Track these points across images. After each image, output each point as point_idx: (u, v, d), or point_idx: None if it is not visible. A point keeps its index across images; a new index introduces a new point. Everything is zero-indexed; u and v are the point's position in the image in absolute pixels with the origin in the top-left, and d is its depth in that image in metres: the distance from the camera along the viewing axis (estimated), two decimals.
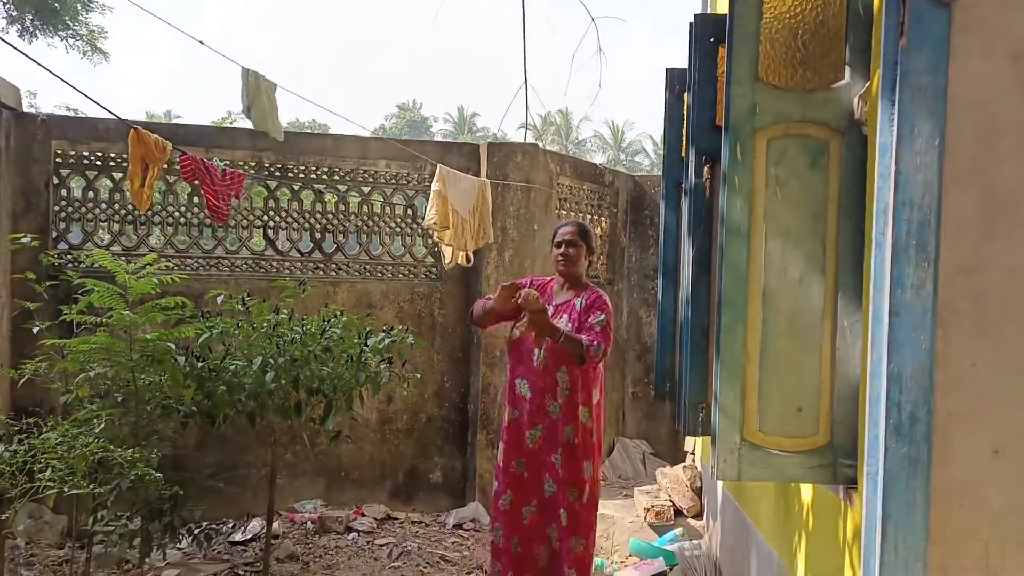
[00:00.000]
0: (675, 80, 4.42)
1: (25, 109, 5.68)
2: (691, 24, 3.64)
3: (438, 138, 46.68)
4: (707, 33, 3.54)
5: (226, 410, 4.32)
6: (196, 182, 4.36)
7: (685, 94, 4.28)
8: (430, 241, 6.30)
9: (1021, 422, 1.45)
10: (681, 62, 4.24)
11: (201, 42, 4.19)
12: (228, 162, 5.72)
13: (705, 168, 3.61)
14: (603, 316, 3.88)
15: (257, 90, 4.35)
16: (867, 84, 2.72)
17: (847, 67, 2.79)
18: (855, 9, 2.77)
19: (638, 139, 44.83)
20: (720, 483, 4.64)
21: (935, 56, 1.40)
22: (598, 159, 44.21)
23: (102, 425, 3.86)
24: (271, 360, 4.27)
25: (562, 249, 4.00)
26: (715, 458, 2.85)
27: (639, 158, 45.05)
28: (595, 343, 3.80)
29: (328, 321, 4.58)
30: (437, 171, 5.56)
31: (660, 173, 5.00)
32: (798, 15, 2.84)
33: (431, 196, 5.53)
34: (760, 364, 2.82)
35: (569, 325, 3.90)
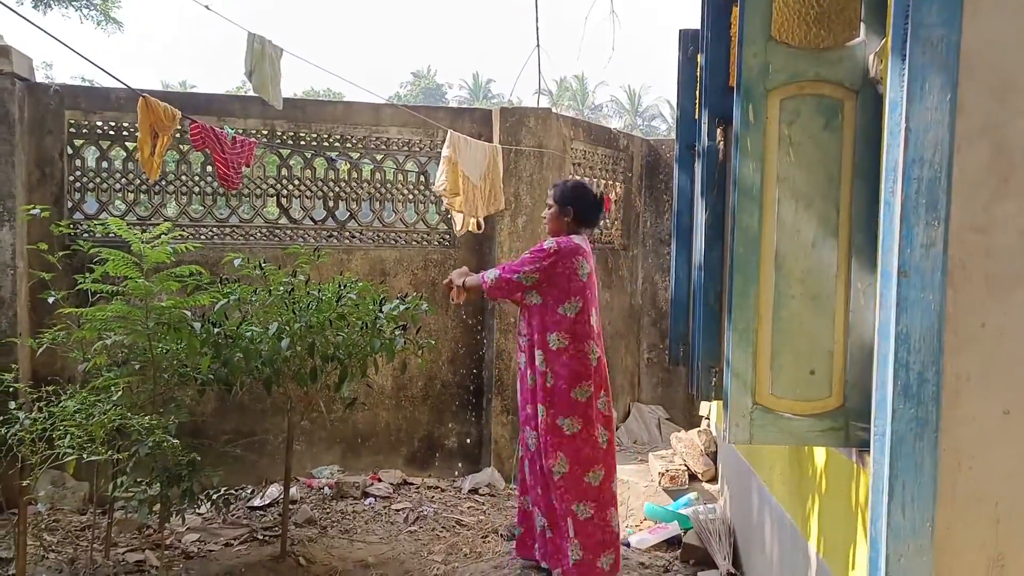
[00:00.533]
0: (688, 41, 4.35)
1: (41, 80, 5.68)
2: None
3: (453, 105, 46.50)
4: None
5: (242, 377, 4.35)
6: (207, 150, 4.35)
7: (698, 55, 4.21)
8: (443, 208, 6.29)
9: None
10: (695, 23, 4.16)
11: (207, 7, 4.16)
12: (240, 130, 5.71)
13: (718, 130, 3.56)
14: (528, 253, 4.04)
15: (261, 55, 4.32)
16: (883, 41, 2.66)
17: (862, 24, 2.74)
18: None
19: (655, 103, 44.47)
20: (734, 447, 4.65)
21: (947, 9, 1.36)
22: (615, 124, 43.89)
23: (119, 393, 3.90)
24: (287, 327, 4.29)
25: (544, 212, 4.26)
26: (727, 421, 2.85)
27: (656, 123, 44.68)
28: (488, 271, 4.10)
29: (344, 287, 4.58)
30: (448, 137, 5.54)
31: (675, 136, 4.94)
32: None
33: (441, 162, 5.53)
34: (772, 327, 2.80)
35: None
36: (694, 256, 4.07)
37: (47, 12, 16.72)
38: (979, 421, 1.44)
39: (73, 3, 17.12)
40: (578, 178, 6.16)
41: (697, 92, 4.26)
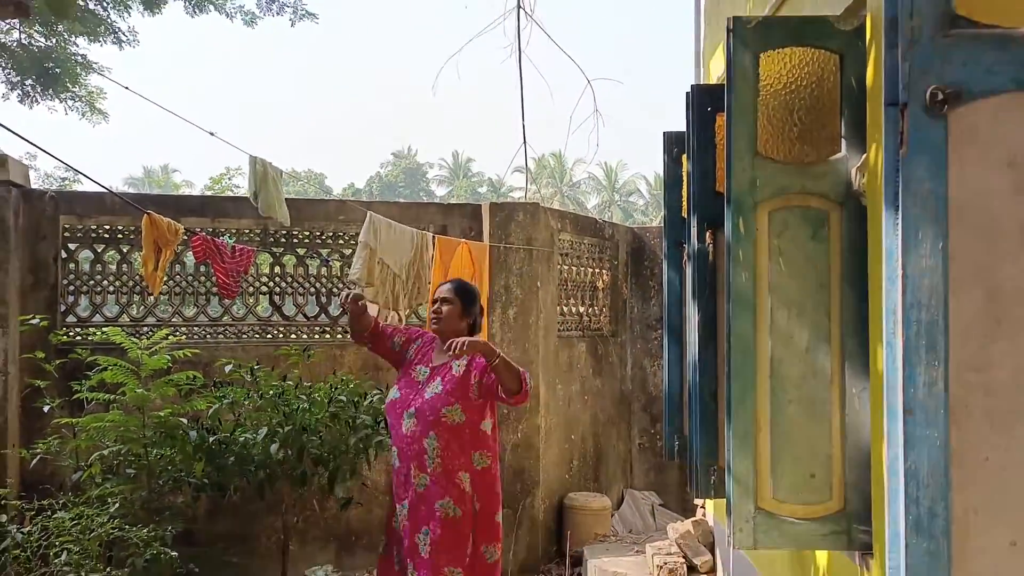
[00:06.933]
0: (673, 143, 4.51)
1: (28, 169, 5.73)
2: (687, 94, 3.73)
3: (434, 184, 47.11)
4: (704, 103, 3.64)
5: (236, 481, 4.34)
6: (207, 261, 4.42)
7: (683, 157, 4.37)
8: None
9: None
10: (673, 108, 4.32)
11: (212, 134, 4.29)
12: (234, 230, 5.79)
13: (707, 233, 3.67)
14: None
15: (264, 177, 4.41)
16: (863, 156, 2.80)
17: (843, 140, 2.88)
18: (848, 83, 2.86)
19: (632, 179, 45.23)
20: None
21: (934, 164, 1.47)
22: (593, 200, 44.55)
23: (116, 504, 3.88)
24: (278, 429, 4.30)
25: (435, 306, 3.63)
26: (730, 526, 2.87)
27: (634, 198, 45.41)
28: (527, 376, 3.35)
29: (335, 388, 4.61)
30: (367, 220, 5.05)
31: (658, 223, 5.07)
32: (793, 91, 2.92)
33: (358, 247, 5.06)
34: (771, 432, 2.86)
35: (442, 387, 3.45)
36: (687, 354, 4.14)
37: (33, 106, 16.95)
38: (988, 553, 1.48)
39: (59, 96, 17.38)
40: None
41: (683, 192, 4.40)
